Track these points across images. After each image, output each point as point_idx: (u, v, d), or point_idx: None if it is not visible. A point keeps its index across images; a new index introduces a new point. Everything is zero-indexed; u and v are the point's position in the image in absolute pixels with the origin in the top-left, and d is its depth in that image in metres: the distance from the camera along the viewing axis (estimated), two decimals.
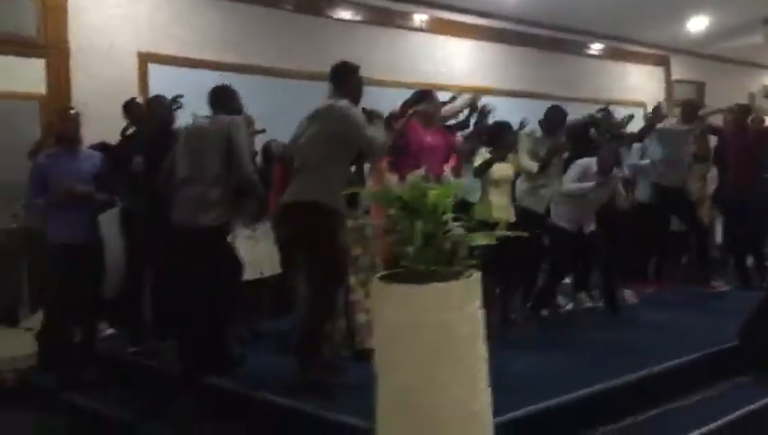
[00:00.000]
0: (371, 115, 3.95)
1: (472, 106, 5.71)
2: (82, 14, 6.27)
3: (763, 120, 7.21)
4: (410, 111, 4.55)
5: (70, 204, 4.58)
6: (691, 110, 6.43)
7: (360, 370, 3.59)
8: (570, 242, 5.18)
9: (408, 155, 4.48)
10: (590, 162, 5.18)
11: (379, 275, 2.39)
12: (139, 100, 5.66)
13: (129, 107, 5.37)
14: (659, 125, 6.29)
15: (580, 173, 5.16)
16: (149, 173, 4.56)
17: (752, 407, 3.80)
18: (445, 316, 2.09)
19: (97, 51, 6.33)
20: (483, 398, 2.12)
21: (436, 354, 2.09)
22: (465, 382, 2.08)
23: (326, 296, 3.78)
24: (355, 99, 3.94)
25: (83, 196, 4.62)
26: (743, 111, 6.77)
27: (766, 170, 6.63)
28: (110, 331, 5.54)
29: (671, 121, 6.50)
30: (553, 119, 5.49)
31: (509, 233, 2.46)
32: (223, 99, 4.32)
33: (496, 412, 2.34)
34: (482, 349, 2.14)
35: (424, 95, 4.87)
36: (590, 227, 5.25)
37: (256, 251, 5.13)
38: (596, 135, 5.90)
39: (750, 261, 6.82)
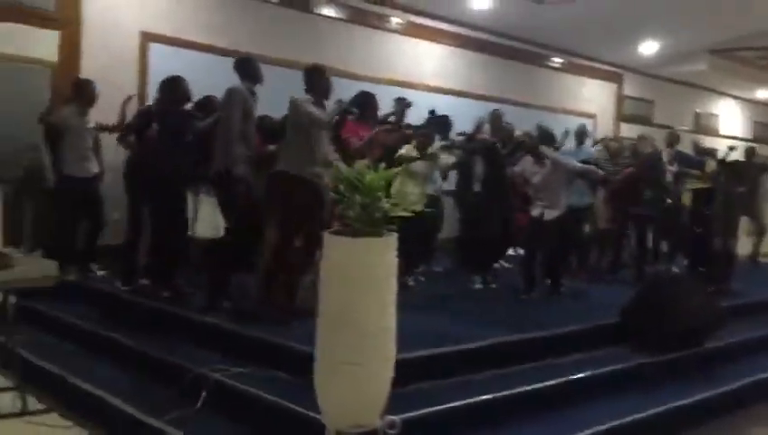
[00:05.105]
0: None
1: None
2: None
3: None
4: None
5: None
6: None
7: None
8: None
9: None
10: None
11: (329, 230, 3.32)
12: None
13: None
14: None
15: None
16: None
17: (621, 366, 4.82)
18: (369, 260, 3.02)
19: (105, 27, 7.13)
20: (391, 317, 3.06)
21: (361, 286, 3.01)
22: (379, 306, 3.01)
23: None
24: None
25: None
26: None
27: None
28: (102, 272, 6.41)
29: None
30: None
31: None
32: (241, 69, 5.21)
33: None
34: (393, 285, 3.08)
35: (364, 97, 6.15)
36: None
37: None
38: None
39: None
